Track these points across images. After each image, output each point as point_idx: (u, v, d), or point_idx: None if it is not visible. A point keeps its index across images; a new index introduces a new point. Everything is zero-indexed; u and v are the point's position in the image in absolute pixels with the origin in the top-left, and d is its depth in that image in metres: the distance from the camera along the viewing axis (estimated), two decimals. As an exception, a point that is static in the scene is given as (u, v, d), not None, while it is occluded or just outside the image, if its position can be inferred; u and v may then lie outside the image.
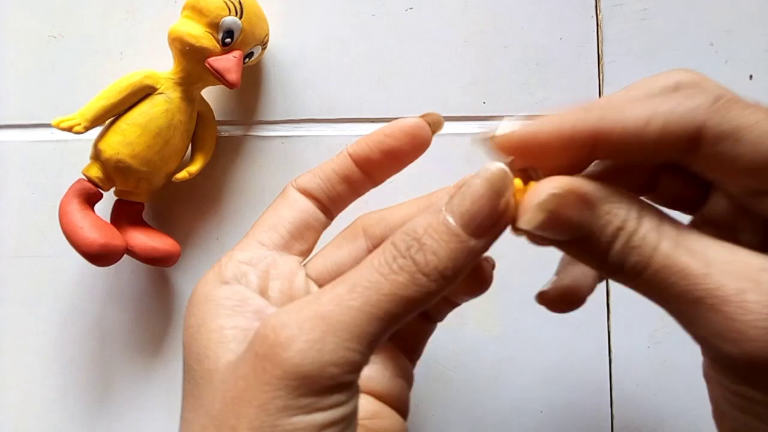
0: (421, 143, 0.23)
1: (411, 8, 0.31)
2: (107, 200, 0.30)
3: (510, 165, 0.18)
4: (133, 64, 0.31)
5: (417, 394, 0.31)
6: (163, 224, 0.32)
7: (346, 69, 0.32)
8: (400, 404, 0.23)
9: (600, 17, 0.30)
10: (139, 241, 0.29)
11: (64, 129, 0.28)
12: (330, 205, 0.23)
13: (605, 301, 0.30)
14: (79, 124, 0.28)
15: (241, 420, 0.17)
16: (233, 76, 0.28)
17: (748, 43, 0.29)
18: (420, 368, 0.31)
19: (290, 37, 0.32)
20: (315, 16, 0.32)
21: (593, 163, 0.19)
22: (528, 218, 0.17)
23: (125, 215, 0.30)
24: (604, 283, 0.30)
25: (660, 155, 0.17)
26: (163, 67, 0.29)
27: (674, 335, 0.30)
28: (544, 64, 0.30)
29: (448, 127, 0.31)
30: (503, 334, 0.30)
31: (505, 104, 0.31)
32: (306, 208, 0.22)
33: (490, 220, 0.17)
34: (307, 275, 0.22)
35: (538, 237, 0.17)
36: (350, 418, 0.17)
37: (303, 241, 0.22)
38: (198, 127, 0.31)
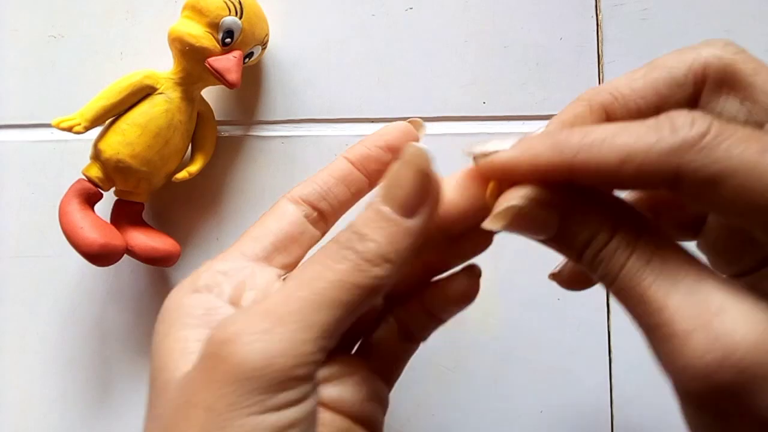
0: (414, 139, 0.23)
1: (411, 8, 0.31)
2: (107, 200, 0.30)
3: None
4: (133, 64, 0.31)
5: (417, 394, 0.31)
6: (163, 224, 0.32)
7: (346, 69, 0.32)
8: (372, 427, 0.21)
9: (600, 17, 0.30)
10: (139, 241, 0.29)
11: (64, 129, 0.28)
12: (327, 209, 0.22)
13: (605, 301, 0.30)
14: (79, 124, 0.28)
15: (190, 424, 0.16)
16: (233, 76, 0.28)
17: (748, 43, 0.29)
18: (420, 368, 0.31)
19: (290, 37, 0.32)
20: (315, 16, 0.32)
21: None
22: (491, 221, 0.17)
23: (125, 215, 0.30)
24: (604, 283, 0.30)
25: (636, 190, 0.17)
26: (163, 67, 0.29)
27: (674, 335, 0.30)
28: (544, 64, 0.30)
29: (448, 127, 0.31)
30: (503, 334, 0.30)
31: (505, 104, 0.31)
32: (294, 220, 0.22)
33: (417, 197, 0.18)
34: None
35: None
36: (305, 424, 0.17)
37: (286, 253, 0.21)
38: (198, 127, 0.31)
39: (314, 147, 0.32)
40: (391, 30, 0.31)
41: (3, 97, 0.33)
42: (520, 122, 0.31)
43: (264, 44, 0.30)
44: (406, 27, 0.31)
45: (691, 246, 0.23)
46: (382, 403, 0.22)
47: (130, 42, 0.33)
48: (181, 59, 0.28)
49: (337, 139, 0.32)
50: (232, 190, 0.32)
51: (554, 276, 0.23)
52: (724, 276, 0.19)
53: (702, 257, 0.19)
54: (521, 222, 0.17)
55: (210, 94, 0.31)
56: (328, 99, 0.32)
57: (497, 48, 0.31)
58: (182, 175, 0.30)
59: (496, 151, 0.18)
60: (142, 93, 0.28)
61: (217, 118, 0.31)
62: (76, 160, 0.32)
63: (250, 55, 0.29)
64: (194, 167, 0.30)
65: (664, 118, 0.16)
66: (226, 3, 0.28)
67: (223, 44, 0.28)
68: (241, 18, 0.28)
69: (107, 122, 0.29)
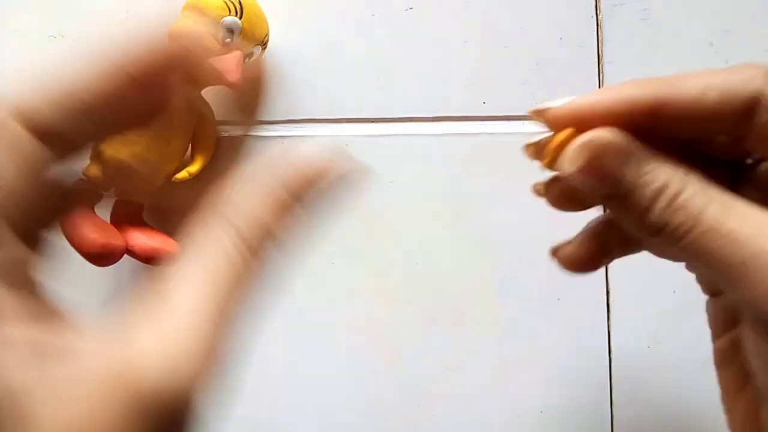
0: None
1: (411, 8, 0.31)
2: (107, 200, 0.30)
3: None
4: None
5: (417, 394, 0.31)
6: (163, 224, 0.32)
7: (346, 69, 0.32)
8: None
9: (600, 17, 0.30)
10: (139, 241, 0.29)
11: None
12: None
13: (605, 301, 0.30)
14: None
15: None
16: (233, 76, 0.27)
17: (748, 43, 0.29)
18: (420, 368, 0.31)
19: (290, 37, 0.32)
20: (315, 16, 0.32)
21: None
22: (570, 157, 0.17)
23: (125, 215, 0.30)
24: (604, 283, 0.30)
25: (716, 126, 0.18)
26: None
27: (674, 335, 0.30)
28: (544, 64, 0.30)
29: (448, 127, 0.31)
30: (503, 334, 0.30)
31: (505, 104, 0.31)
32: None
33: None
34: None
35: (578, 184, 0.18)
36: None
37: None
38: (198, 127, 0.30)
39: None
40: (391, 30, 0.31)
41: (3, 97, 0.33)
42: (520, 122, 0.31)
43: (264, 44, 0.30)
44: (406, 27, 0.31)
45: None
46: None
47: (130, 42, 0.33)
48: (181, 59, 0.28)
49: (337, 139, 0.32)
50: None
51: (554, 251, 0.22)
52: None
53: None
54: (600, 163, 0.17)
55: (210, 94, 0.31)
56: (328, 99, 0.32)
57: (497, 48, 0.31)
58: (182, 175, 0.30)
59: (572, 101, 0.18)
60: None
61: (217, 118, 0.31)
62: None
63: (250, 55, 0.29)
64: (194, 167, 0.30)
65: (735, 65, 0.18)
66: (226, 3, 0.28)
67: (223, 44, 0.28)
68: (241, 18, 0.28)
69: None
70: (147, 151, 0.28)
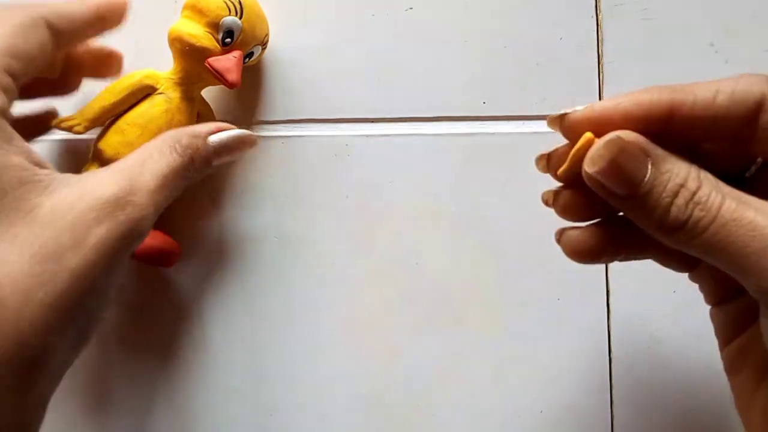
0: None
1: (411, 8, 0.31)
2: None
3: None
4: (134, 64, 0.31)
5: (417, 395, 0.31)
6: (163, 224, 0.32)
7: (346, 69, 0.32)
8: None
9: (600, 17, 0.30)
10: None
11: (63, 129, 0.28)
12: None
13: (605, 301, 0.30)
14: (79, 124, 0.28)
15: None
16: (233, 76, 0.27)
17: (748, 43, 0.29)
18: (419, 368, 0.31)
19: (290, 37, 0.32)
20: (315, 16, 0.32)
21: None
22: (593, 157, 0.18)
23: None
24: (604, 283, 0.30)
25: (725, 128, 0.19)
26: (163, 67, 0.29)
27: (674, 335, 0.30)
28: (544, 64, 0.30)
29: (448, 127, 0.31)
30: (503, 334, 0.30)
31: (505, 104, 0.31)
32: None
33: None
34: None
35: (599, 187, 0.19)
36: None
37: None
38: (198, 127, 0.31)
39: (314, 147, 0.32)
40: (391, 30, 0.31)
41: None
42: (520, 122, 0.31)
43: (264, 44, 0.30)
44: (406, 27, 0.31)
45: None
46: None
47: (130, 42, 0.33)
48: (180, 59, 0.28)
49: (337, 139, 0.32)
50: (232, 190, 0.32)
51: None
52: None
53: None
54: (619, 163, 0.18)
55: (210, 94, 0.31)
56: (328, 99, 0.32)
57: (497, 48, 0.31)
58: None
59: (591, 107, 0.20)
60: (142, 93, 0.28)
61: (217, 118, 0.31)
62: (76, 160, 0.32)
63: (250, 55, 0.29)
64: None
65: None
66: (226, 3, 0.27)
67: (223, 44, 0.28)
68: (241, 18, 0.28)
69: (107, 122, 0.29)
70: (147, 151, 0.28)
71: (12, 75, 0.22)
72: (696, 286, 0.24)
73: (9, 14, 0.23)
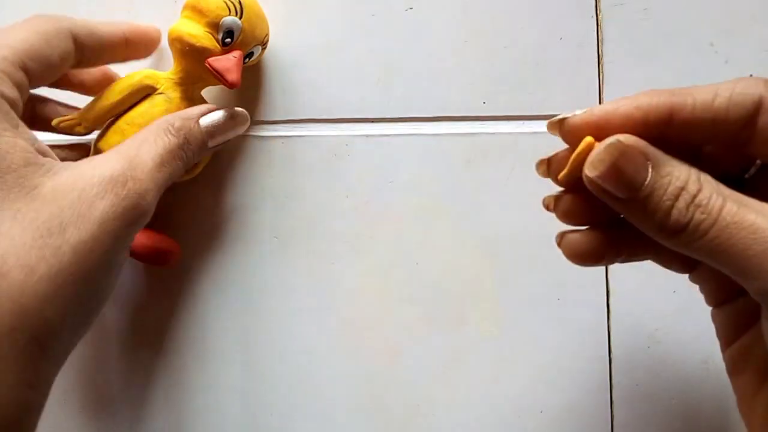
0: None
1: (411, 8, 0.31)
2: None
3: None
4: (134, 64, 0.31)
5: (417, 394, 0.31)
6: (163, 224, 0.32)
7: (346, 69, 0.32)
8: None
9: (600, 17, 0.30)
10: (139, 241, 0.29)
11: (64, 129, 0.28)
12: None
13: (605, 301, 0.30)
14: (80, 125, 0.28)
15: None
16: (233, 76, 0.27)
17: (748, 43, 0.29)
18: (419, 368, 0.31)
19: (290, 37, 0.32)
20: (315, 16, 0.32)
21: None
22: (594, 161, 0.18)
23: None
24: (604, 283, 0.30)
25: (724, 130, 0.19)
26: (164, 67, 0.29)
27: (674, 335, 0.30)
28: (544, 64, 0.30)
29: (448, 127, 0.31)
30: (503, 334, 0.30)
31: (505, 104, 0.31)
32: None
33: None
34: None
35: (600, 191, 0.19)
36: None
37: None
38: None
39: (314, 147, 0.32)
40: (391, 30, 0.31)
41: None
42: (520, 122, 0.31)
43: (264, 44, 0.30)
44: (406, 27, 0.31)
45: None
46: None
47: (130, 42, 0.33)
48: (180, 59, 0.28)
49: (337, 139, 0.32)
50: (233, 190, 0.32)
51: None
52: None
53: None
54: (620, 166, 0.18)
55: (210, 94, 0.31)
56: (328, 99, 0.32)
57: (497, 48, 0.31)
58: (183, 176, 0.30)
59: (591, 110, 0.20)
60: (143, 93, 0.28)
61: (217, 118, 0.31)
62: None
63: (250, 55, 0.29)
64: (196, 168, 0.30)
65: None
66: (226, 3, 0.27)
67: (223, 44, 0.28)
68: (241, 18, 0.28)
69: (107, 122, 0.29)
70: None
71: (27, 73, 0.23)
72: (696, 286, 0.24)
73: (39, 21, 0.25)
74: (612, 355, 0.30)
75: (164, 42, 0.29)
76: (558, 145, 0.22)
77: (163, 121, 0.26)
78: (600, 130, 0.19)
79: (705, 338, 0.29)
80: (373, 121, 0.32)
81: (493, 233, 0.31)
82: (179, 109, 0.29)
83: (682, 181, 0.18)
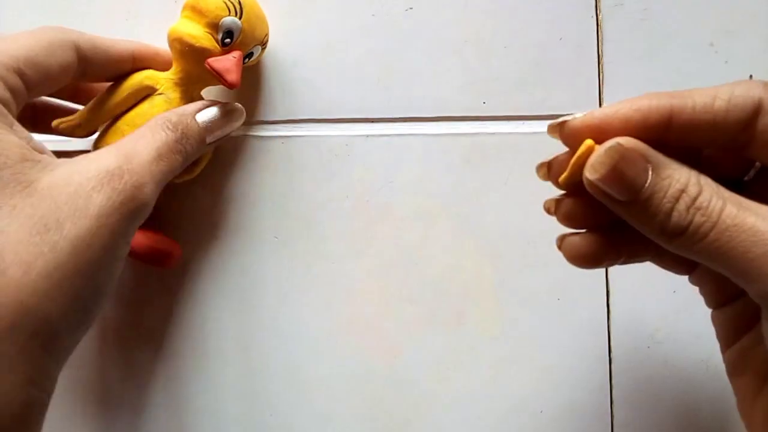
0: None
1: (411, 8, 0.31)
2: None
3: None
4: (134, 65, 0.31)
5: (416, 394, 0.31)
6: (163, 225, 0.32)
7: (346, 69, 0.32)
8: None
9: (600, 17, 0.30)
10: (139, 242, 0.29)
11: (64, 131, 0.28)
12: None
13: (605, 301, 0.30)
14: (80, 126, 0.28)
15: None
16: (233, 76, 0.27)
17: (748, 43, 0.29)
18: (420, 368, 0.31)
19: (290, 37, 0.32)
20: (315, 16, 0.32)
21: None
22: (594, 164, 0.19)
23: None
24: (604, 283, 0.30)
25: (723, 132, 0.19)
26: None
27: (674, 335, 0.30)
28: (544, 64, 0.30)
29: (448, 127, 0.31)
30: (503, 334, 0.30)
31: (505, 104, 0.31)
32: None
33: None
34: None
35: (600, 194, 0.19)
36: None
37: None
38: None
39: (314, 147, 0.32)
40: (391, 30, 0.31)
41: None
42: (520, 122, 0.31)
43: (264, 44, 0.30)
44: (406, 27, 0.31)
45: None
46: None
47: (131, 42, 0.33)
48: (180, 60, 0.28)
49: (337, 139, 0.32)
50: (233, 190, 0.32)
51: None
52: None
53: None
54: (620, 169, 0.18)
55: (210, 94, 0.31)
56: (328, 99, 0.32)
57: (497, 48, 0.31)
58: (183, 178, 0.30)
59: (591, 113, 0.20)
60: (142, 93, 0.28)
61: (217, 118, 0.31)
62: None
63: (250, 55, 0.29)
64: (195, 168, 0.30)
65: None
66: (225, 3, 0.27)
67: (223, 45, 0.28)
68: (240, 18, 0.28)
69: (107, 123, 0.29)
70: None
71: (24, 79, 0.23)
72: (697, 288, 0.24)
73: (44, 30, 0.25)
74: (612, 355, 0.30)
75: (164, 41, 0.29)
76: (558, 146, 0.22)
77: (159, 117, 0.26)
78: (600, 133, 0.19)
79: (705, 338, 0.29)
80: (373, 121, 0.32)
81: (493, 233, 0.31)
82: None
83: (682, 184, 0.18)
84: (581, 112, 0.20)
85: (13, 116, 0.22)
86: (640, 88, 0.30)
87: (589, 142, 0.19)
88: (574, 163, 0.20)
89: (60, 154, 0.24)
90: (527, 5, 0.30)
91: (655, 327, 0.30)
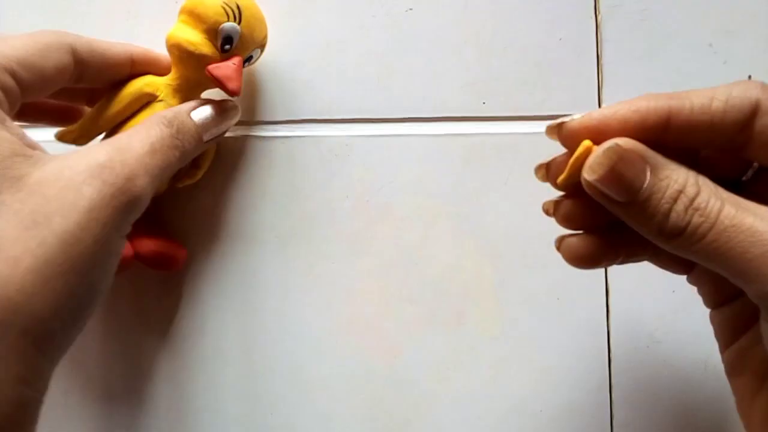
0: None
1: (411, 9, 0.31)
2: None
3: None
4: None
5: (416, 394, 0.31)
6: (163, 224, 0.32)
7: (346, 69, 0.32)
8: None
9: (599, 17, 0.30)
10: (146, 246, 0.29)
11: (66, 142, 0.28)
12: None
13: (605, 301, 0.30)
14: (81, 137, 0.28)
15: None
16: (234, 84, 0.27)
17: (747, 44, 0.29)
18: (420, 368, 0.31)
19: (290, 38, 0.32)
20: (315, 16, 0.32)
21: None
22: (592, 165, 0.19)
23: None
24: (604, 283, 0.30)
25: (721, 132, 0.19)
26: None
27: (673, 335, 0.30)
28: (544, 64, 0.30)
29: (448, 128, 0.31)
30: (503, 334, 0.31)
31: (505, 104, 0.31)
32: None
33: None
34: None
35: (598, 195, 0.19)
36: None
37: None
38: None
39: (314, 147, 0.32)
40: (391, 30, 0.31)
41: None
42: (520, 122, 0.31)
43: (262, 46, 0.30)
44: (406, 27, 0.31)
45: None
46: None
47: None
48: (179, 65, 0.28)
49: (337, 139, 0.32)
50: (233, 191, 0.32)
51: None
52: None
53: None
54: (618, 170, 0.18)
55: (209, 94, 0.31)
56: (328, 99, 0.32)
57: (497, 48, 0.31)
58: (185, 182, 0.30)
59: (589, 114, 0.20)
60: (143, 101, 0.28)
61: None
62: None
63: (249, 58, 0.29)
64: (198, 172, 0.30)
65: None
66: (224, 8, 0.27)
67: (223, 51, 0.27)
68: (239, 23, 0.27)
69: (107, 131, 0.28)
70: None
71: (17, 80, 0.23)
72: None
73: (41, 33, 0.24)
74: (612, 355, 0.30)
75: (164, 44, 0.29)
76: (557, 147, 0.22)
77: (154, 115, 0.26)
78: (598, 134, 0.19)
79: (704, 338, 0.29)
80: (373, 121, 0.32)
81: (492, 233, 0.31)
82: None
83: (680, 184, 0.18)
84: (579, 114, 0.20)
85: (6, 114, 0.22)
86: (639, 88, 0.30)
87: (587, 143, 0.19)
88: (573, 165, 0.20)
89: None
90: (527, 6, 0.30)
91: (655, 327, 0.30)
